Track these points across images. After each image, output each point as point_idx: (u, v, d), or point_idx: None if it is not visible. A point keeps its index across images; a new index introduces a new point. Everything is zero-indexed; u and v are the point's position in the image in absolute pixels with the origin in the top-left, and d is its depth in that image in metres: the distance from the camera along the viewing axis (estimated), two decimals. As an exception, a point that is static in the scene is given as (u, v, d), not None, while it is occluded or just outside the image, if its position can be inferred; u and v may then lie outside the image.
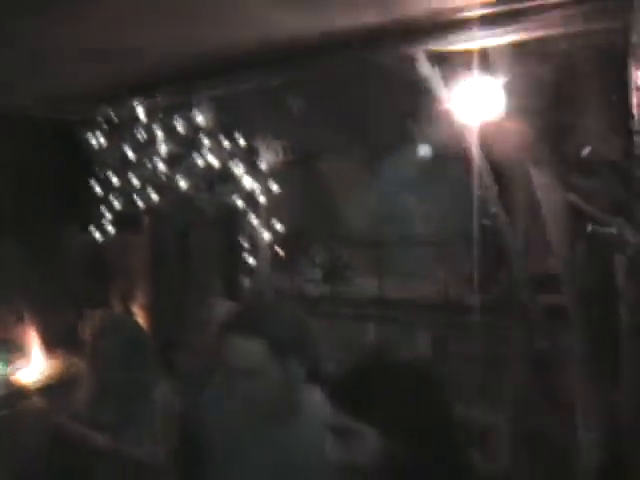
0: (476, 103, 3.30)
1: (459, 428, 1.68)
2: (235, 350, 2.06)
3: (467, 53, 3.19)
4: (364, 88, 4.55)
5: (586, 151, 3.51)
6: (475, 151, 3.55)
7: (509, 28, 2.42)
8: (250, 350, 2.02)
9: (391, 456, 1.57)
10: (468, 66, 3.27)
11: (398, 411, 1.60)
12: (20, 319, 4.86)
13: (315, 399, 2.17)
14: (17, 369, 4.84)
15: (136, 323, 3.55)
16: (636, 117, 1.60)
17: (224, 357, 2.12)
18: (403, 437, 1.58)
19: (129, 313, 5.20)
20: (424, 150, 4.69)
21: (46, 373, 4.99)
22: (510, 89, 3.08)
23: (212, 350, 2.81)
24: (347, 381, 1.68)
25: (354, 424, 1.60)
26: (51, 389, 4.83)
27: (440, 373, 1.78)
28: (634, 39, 1.66)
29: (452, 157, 4.35)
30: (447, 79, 3.34)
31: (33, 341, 4.92)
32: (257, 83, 3.98)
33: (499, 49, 2.91)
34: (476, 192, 3.74)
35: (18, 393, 4.79)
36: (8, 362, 4.81)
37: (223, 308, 3.31)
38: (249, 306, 2.21)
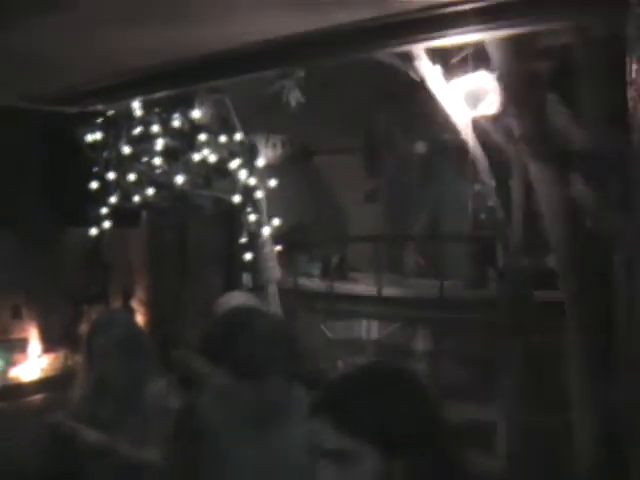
0: (474, 98, 3.29)
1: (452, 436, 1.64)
2: (204, 377, 2.17)
3: (464, 48, 3.18)
4: (363, 84, 4.55)
5: (585, 146, 3.50)
6: (473, 146, 3.54)
7: (505, 22, 2.40)
8: (215, 377, 2.11)
9: (390, 476, 1.52)
10: (465, 61, 3.26)
11: (392, 425, 1.55)
12: (18, 315, 4.85)
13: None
14: (15, 365, 4.84)
15: (132, 319, 3.54)
16: (630, 111, 1.57)
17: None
18: (400, 452, 1.52)
19: (127, 309, 5.19)
20: (423, 146, 4.68)
21: (44, 369, 4.99)
22: (507, 83, 3.06)
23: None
24: (337, 400, 1.60)
25: (351, 444, 1.53)
26: (49, 385, 4.83)
27: (430, 382, 1.74)
28: (630, 33, 1.64)
29: (451, 153, 4.35)
30: (444, 74, 3.33)
31: (31, 337, 4.92)
32: (255, 79, 3.98)
33: (496, 43, 2.89)
34: (475, 187, 3.73)
35: (16, 389, 4.79)
36: (6, 359, 4.81)
37: (229, 301, 3.29)
38: (215, 328, 2.26)
